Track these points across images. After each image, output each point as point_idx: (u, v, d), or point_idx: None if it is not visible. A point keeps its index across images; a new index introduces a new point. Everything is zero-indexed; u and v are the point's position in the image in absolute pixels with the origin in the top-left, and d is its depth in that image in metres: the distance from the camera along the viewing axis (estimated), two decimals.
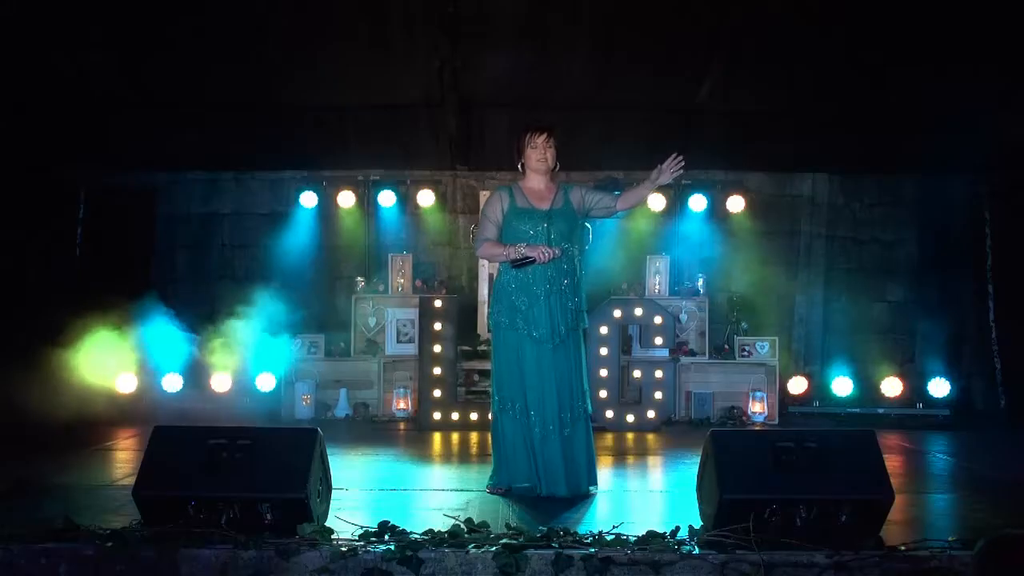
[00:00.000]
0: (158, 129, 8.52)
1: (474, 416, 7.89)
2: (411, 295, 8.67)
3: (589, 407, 5.24)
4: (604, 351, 8.09)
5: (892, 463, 5.23)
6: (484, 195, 7.67)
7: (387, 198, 9.02)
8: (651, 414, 8.05)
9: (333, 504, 4.36)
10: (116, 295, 8.44)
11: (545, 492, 5.01)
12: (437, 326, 8.12)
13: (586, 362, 5.33)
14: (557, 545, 3.75)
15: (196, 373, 8.77)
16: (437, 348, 8.10)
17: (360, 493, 5.19)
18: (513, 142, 5.25)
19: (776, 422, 8.36)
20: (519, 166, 5.24)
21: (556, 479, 5.02)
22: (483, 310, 8.60)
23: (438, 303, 8.20)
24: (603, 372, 8.06)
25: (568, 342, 5.14)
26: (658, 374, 8.14)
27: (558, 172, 5.31)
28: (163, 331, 8.81)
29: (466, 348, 8.37)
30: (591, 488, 5.16)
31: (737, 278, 9.23)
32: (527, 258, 5.04)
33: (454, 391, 8.16)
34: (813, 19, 7.40)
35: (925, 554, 3.73)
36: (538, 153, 5.15)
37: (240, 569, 3.67)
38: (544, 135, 5.15)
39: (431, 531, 3.88)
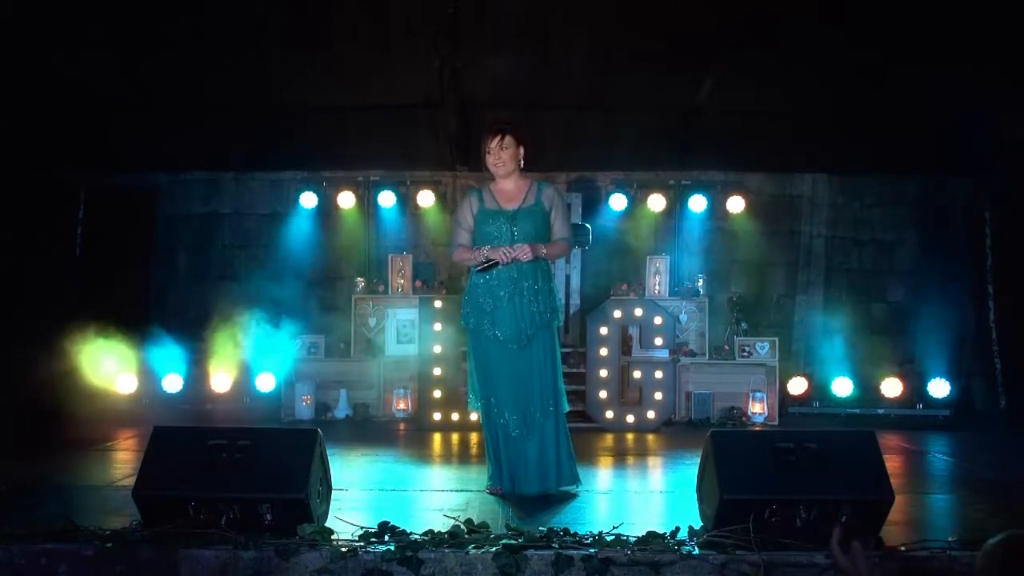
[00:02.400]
0: (158, 129, 8.52)
1: (474, 416, 7.84)
2: (411, 295, 8.67)
3: (565, 405, 5.19)
4: (604, 351, 8.09)
5: (892, 463, 5.23)
6: None
7: (387, 198, 9.01)
8: (651, 414, 8.05)
9: (333, 504, 4.36)
10: (116, 295, 8.46)
11: (516, 491, 5.03)
12: (437, 326, 8.12)
13: (559, 360, 5.24)
14: (557, 545, 3.75)
15: (196, 373, 8.78)
16: (437, 348, 8.10)
17: (360, 493, 5.19)
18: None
19: (776, 422, 8.36)
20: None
21: (525, 477, 5.04)
22: None
23: (438, 303, 8.20)
24: (603, 372, 8.06)
25: (535, 342, 5.10)
26: (658, 374, 8.14)
27: (523, 171, 5.20)
28: (163, 331, 8.83)
29: (466, 348, 8.36)
30: (570, 487, 5.13)
31: (737, 278, 9.23)
32: (490, 261, 5.03)
33: (454, 391, 8.14)
34: (813, 19, 7.39)
35: (925, 554, 3.74)
36: (492, 158, 5.10)
37: (240, 569, 3.67)
38: (497, 138, 5.07)
39: (431, 531, 3.88)
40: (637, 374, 8.21)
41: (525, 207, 5.12)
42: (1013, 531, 2.46)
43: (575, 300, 8.87)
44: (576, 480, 5.19)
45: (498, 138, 5.07)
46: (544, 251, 5.09)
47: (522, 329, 5.07)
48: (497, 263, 5.02)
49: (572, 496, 5.07)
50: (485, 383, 5.15)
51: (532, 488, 5.03)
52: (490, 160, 5.11)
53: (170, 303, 9.20)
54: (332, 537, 3.84)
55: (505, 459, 5.10)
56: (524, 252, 4.99)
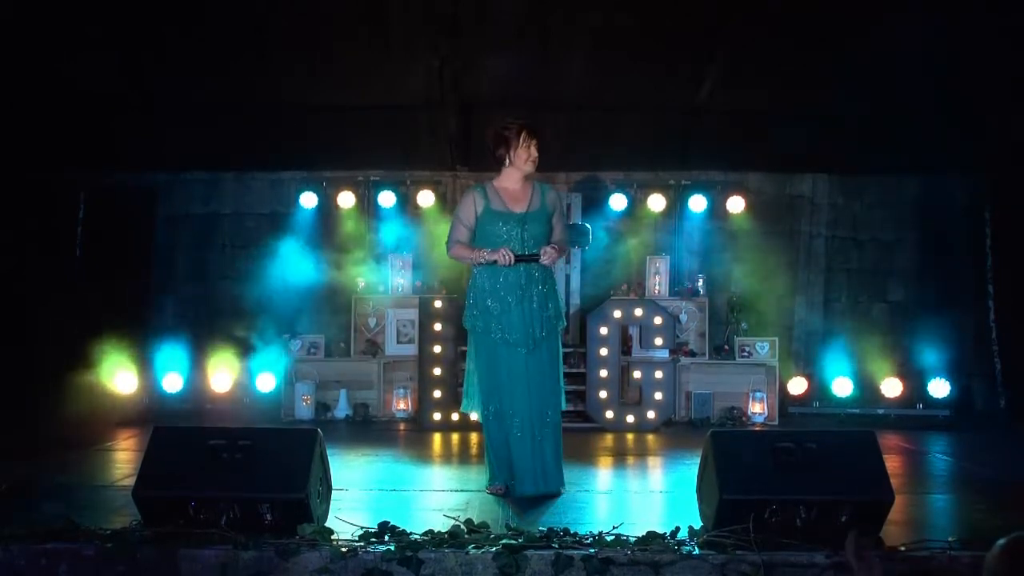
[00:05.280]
0: (158, 129, 8.51)
1: (474, 416, 7.79)
2: (411, 295, 8.67)
3: (563, 404, 5.25)
4: (604, 351, 8.09)
5: (892, 463, 5.23)
6: None
7: (387, 198, 9.00)
8: (651, 414, 8.05)
9: (333, 504, 4.37)
10: (116, 296, 8.45)
11: (516, 492, 5.03)
12: (437, 326, 8.12)
13: (561, 362, 5.32)
14: (557, 545, 3.75)
15: (196, 373, 8.78)
16: (437, 348, 8.11)
17: (360, 493, 5.19)
18: (500, 135, 5.19)
19: (776, 422, 8.36)
20: (506, 160, 5.18)
21: (526, 478, 5.04)
22: None
23: (438, 303, 8.20)
24: (603, 372, 8.06)
25: (543, 345, 5.13)
26: (658, 374, 8.14)
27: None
28: (163, 331, 8.82)
29: (466, 348, 8.34)
30: (558, 489, 5.14)
31: (737, 278, 9.21)
32: (492, 262, 5.07)
33: (454, 391, 8.14)
34: (813, 19, 7.39)
35: (925, 554, 3.74)
36: (525, 153, 5.14)
37: (240, 569, 3.67)
38: (536, 139, 5.16)
39: (431, 531, 3.88)
40: (637, 374, 8.21)
41: (533, 211, 5.16)
42: (1021, 533, 2.46)
43: (575, 300, 8.87)
44: (562, 483, 5.18)
45: (536, 139, 5.15)
46: (565, 253, 5.17)
47: (531, 333, 5.09)
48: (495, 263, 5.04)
49: (572, 496, 5.07)
50: (491, 385, 5.13)
51: (532, 489, 5.03)
52: (523, 155, 5.13)
53: (170, 303, 9.18)
54: (332, 537, 3.84)
55: (509, 461, 5.09)
56: (551, 256, 5.09)
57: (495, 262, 5.04)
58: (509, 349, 5.09)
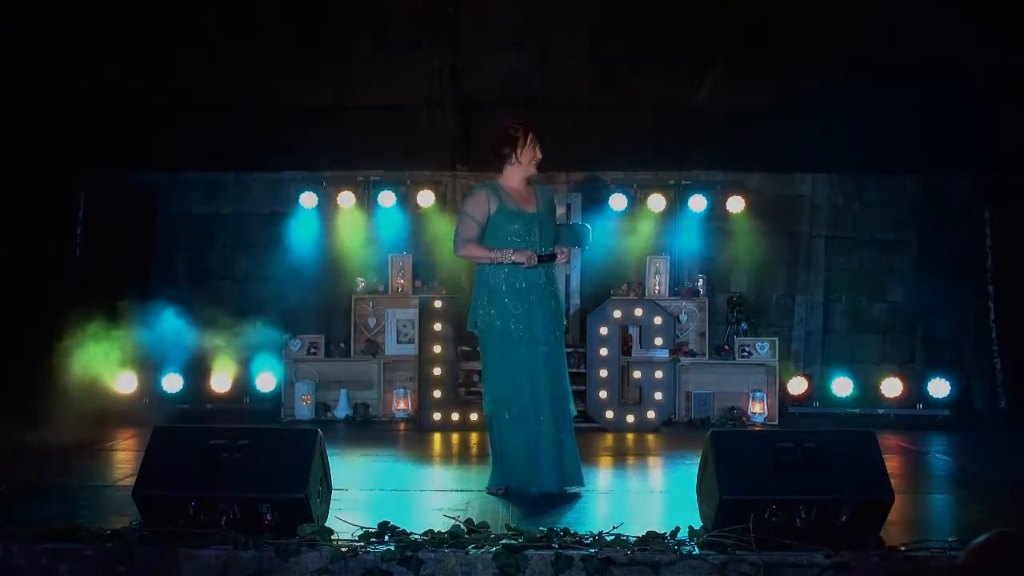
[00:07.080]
0: (158, 130, 8.51)
1: (474, 416, 7.88)
2: (411, 295, 8.67)
3: (573, 409, 5.27)
4: (604, 351, 8.09)
5: (892, 463, 5.23)
6: None
7: (387, 198, 9.00)
8: (651, 414, 8.05)
9: (333, 504, 4.36)
10: (116, 295, 8.45)
11: (536, 490, 5.04)
12: (437, 326, 8.12)
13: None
14: (557, 545, 3.75)
15: (196, 373, 8.77)
16: (437, 348, 8.11)
17: (360, 493, 5.19)
18: (506, 135, 5.18)
19: (776, 422, 8.36)
20: (511, 159, 5.18)
21: (550, 477, 5.07)
22: None
23: (438, 303, 8.20)
24: (603, 372, 8.07)
25: (560, 344, 5.22)
26: (658, 375, 8.14)
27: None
28: (163, 331, 8.81)
29: (466, 348, 8.35)
30: (578, 488, 5.18)
31: (737, 278, 9.22)
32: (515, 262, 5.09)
33: (454, 392, 8.16)
34: (813, 19, 7.39)
35: (925, 554, 3.74)
36: (531, 153, 5.17)
37: (240, 569, 3.67)
38: (538, 139, 5.20)
39: (431, 531, 3.88)
40: (637, 374, 8.21)
41: (543, 211, 5.22)
42: (999, 529, 2.47)
43: (575, 300, 8.87)
44: (583, 481, 5.24)
45: (538, 140, 5.19)
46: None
47: (551, 331, 5.14)
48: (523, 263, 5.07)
49: (572, 496, 5.07)
50: (511, 386, 5.08)
51: (553, 486, 5.05)
52: (528, 154, 5.16)
53: (170, 303, 9.15)
54: (332, 537, 3.84)
55: (531, 461, 5.05)
56: (566, 255, 5.20)
57: (519, 263, 5.05)
58: (531, 348, 5.08)
